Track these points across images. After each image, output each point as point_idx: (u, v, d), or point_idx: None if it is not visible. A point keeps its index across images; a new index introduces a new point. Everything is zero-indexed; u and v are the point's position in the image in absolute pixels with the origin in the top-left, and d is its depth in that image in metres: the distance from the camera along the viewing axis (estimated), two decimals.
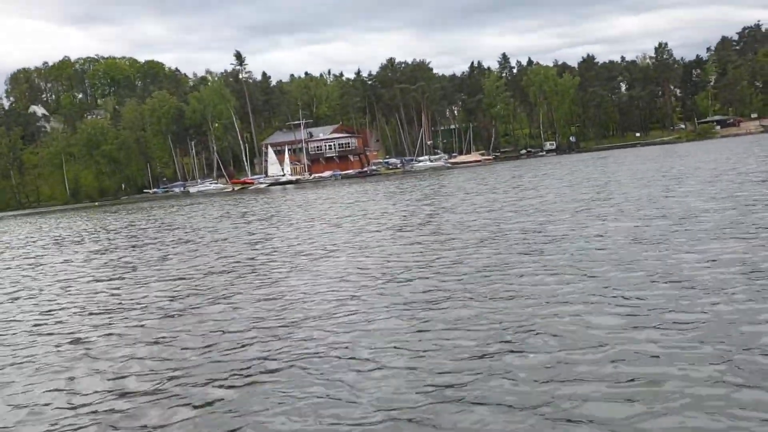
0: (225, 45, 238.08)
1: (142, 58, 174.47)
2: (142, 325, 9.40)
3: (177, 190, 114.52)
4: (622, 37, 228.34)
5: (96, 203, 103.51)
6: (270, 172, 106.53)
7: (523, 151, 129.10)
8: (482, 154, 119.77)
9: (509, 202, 23.93)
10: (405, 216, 22.39)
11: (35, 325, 10.33)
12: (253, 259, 15.32)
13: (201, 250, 18.42)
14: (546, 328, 6.95)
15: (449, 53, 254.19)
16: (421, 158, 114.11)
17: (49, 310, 11.55)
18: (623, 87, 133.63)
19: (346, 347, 7.07)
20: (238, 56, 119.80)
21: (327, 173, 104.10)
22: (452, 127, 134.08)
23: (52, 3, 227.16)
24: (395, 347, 6.85)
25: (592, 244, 11.73)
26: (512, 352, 6.37)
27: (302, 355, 6.99)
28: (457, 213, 21.48)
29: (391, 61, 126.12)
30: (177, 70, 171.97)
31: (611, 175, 34.56)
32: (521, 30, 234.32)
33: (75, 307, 11.59)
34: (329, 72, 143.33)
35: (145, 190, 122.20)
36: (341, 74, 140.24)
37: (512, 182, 39.17)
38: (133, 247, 22.24)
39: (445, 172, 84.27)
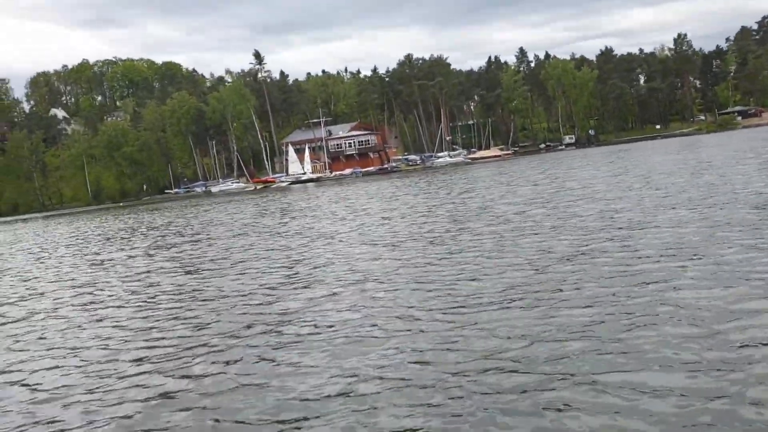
0: (234, 45, 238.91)
1: (156, 60, 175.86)
2: (258, 311, 9.71)
3: (198, 189, 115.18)
4: (634, 29, 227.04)
5: (121, 204, 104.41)
6: (290, 170, 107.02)
7: (543, 146, 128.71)
8: (501, 149, 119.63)
9: (564, 192, 24.04)
10: (463, 210, 22.50)
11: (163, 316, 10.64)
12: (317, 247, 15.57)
13: (268, 244, 18.70)
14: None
15: (459, 49, 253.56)
16: (440, 154, 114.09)
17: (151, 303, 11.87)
18: (641, 79, 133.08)
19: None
20: (257, 55, 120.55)
21: (348, 171, 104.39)
22: (470, 122, 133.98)
23: (63, 7, 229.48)
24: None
25: (686, 229, 11.87)
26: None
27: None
28: (516, 204, 21.61)
29: (408, 57, 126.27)
30: (194, 70, 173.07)
31: (648, 165, 34.57)
32: (531, 24, 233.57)
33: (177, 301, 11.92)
34: (345, 69, 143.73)
35: (166, 191, 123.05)
36: (358, 72, 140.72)
37: (547, 174, 39.22)
38: (194, 242, 22.60)
39: (468, 167, 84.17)
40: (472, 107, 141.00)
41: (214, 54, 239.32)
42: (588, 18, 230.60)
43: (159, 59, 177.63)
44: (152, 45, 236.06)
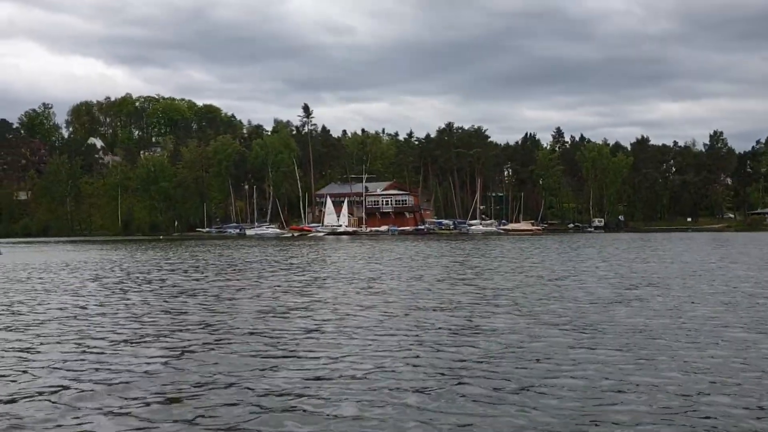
0: (266, 96, 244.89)
1: (197, 101, 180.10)
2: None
3: (231, 231, 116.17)
4: (662, 121, 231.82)
5: (160, 237, 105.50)
6: (326, 221, 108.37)
7: (571, 226, 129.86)
8: (533, 224, 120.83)
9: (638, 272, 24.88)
10: (561, 272, 23.29)
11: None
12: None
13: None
14: None
15: (487, 121, 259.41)
16: (472, 222, 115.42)
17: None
18: (672, 170, 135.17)
19: None
20: (306, 109, 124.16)
21: (384, 228, 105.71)
22: (500, 194, 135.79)
23: (103, 42, 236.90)
24: None
25: None
26: None
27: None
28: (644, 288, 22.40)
29: (449, 125, 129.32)
30: (233, 116, 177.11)
31: (698, 255, 35.56)
32: (562, 105, 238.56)
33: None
34: (383, 131, 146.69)
35: (198, 229, 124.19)
36: (396, 134, 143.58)
37: (602, 254, 39.95)
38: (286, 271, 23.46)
39: (503, 238, 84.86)
40: (504, 180, 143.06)
41: (246, 103, 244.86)
42: (618, 105, 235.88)
43: (197, 101, 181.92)
44: (186, 87, 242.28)
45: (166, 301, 17.51)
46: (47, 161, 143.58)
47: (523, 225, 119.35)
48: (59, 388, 8.49)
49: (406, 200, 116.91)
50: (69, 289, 21.45)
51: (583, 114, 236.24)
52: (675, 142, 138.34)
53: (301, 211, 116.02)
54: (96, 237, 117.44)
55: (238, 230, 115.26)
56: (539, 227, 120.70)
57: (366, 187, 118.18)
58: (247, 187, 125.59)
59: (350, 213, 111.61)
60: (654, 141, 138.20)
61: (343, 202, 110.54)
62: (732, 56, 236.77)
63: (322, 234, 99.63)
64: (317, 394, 7.95)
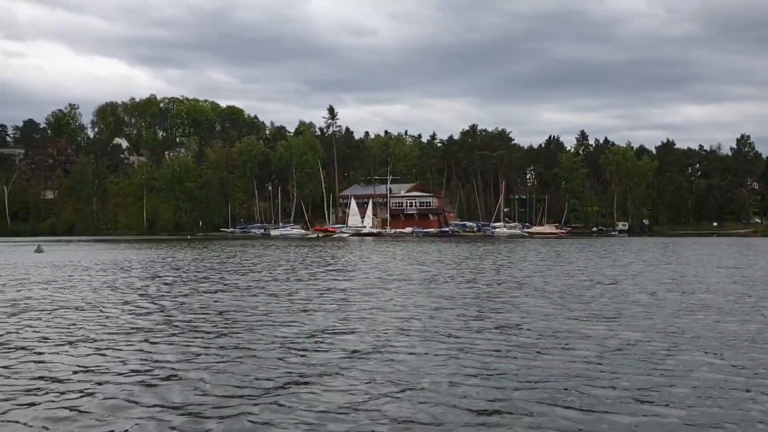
0: (286, 97, 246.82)
1: (221, 103, 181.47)
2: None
3: (256, 231, 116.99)
4: (684, 125, 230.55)
5: (188, 236, 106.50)
6: (350, 222, 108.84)
7: (594, 229, 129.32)
8: (557, 227, 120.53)
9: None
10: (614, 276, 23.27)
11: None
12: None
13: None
14: None
15: (507, 123, 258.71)
16: (496, 224, 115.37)
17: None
18: (697, 174, 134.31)
19: None
20: (331, 110, 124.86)
21: (408, 229, 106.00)
22: (523, 197, 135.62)
23: (128, 44, 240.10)
24: None
25: None
26: None
27: None
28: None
29: (473, 127, 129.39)
30: (255, 117, 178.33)
31: (738, 260, 35.39)
32: (582, 108, 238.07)
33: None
34: (406, 132, 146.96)
35: (222, 229, 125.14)
36: (419, 136, 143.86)
37: (643, 258, 39.81)
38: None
39: (528, 241, 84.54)
40: (526, 182, 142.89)
41: (267, 104, 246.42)
42: (639, 108, 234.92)
43: (219, 102, 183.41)
44: (207, 88, 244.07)
45: (241, 299, 17.85)
46: (74, 161, 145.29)
47: (547, 228, 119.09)
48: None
49: (430, 202, 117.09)
50: (146, 290, 21.85)
51: (604, 117, 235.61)
52: (700, 146, 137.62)
53: (325, 212, 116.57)
54: (122, 236, 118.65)
55: (262, 230, 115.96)
56: (563, 230, 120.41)
57: (390, 189, 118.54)
58: (270, 188, 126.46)
59: (374, 214, 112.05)
60: (677, 144, 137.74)
61: (366, 203, 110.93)
62: (756, 59, 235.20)
63: (346, 235, 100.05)
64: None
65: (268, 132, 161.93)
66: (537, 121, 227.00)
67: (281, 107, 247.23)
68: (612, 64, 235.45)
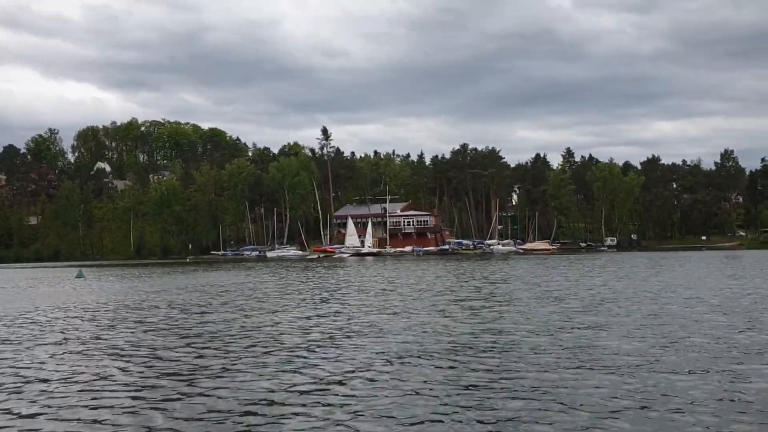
0: (260, 118, 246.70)
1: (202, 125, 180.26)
2: None
3: (249, 253, 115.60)
4: (656, 140, 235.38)
5: (187, 260, 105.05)
6: (347, 242, 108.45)
7: (583, 245, 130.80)
8: (549, 244, 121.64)
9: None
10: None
11: None
12: None
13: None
14: None
15: (482, 142, 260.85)
16: (490, 242, 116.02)
17: None
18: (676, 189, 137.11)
19: None
20: (324, 131, 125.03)
21: (408, 248, 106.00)
22: (511, 214, 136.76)
23: (99, 67, 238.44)
24: None
25: None
26: None
27: None
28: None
29: (464, 146, 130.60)
30: (238, 139, 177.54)
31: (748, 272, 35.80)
32: (555, 125, 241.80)
33: None
34: (393, 152, 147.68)
35: (213, 252, 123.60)
36: (408, 155, 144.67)
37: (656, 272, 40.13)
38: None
39: (526, 257, 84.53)
40: (514, 199, 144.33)
41: (241, 125, 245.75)
42: (612, 124, 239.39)
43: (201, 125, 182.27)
44: (180, 110, 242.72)
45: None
46: (56, 186, 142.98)
47: (540, 244, 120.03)
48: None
49: (427, 221, 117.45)
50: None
51: (577, 134, 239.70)
52: (684, 161, 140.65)
53: (321, 232, 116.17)
54: (108, 261, 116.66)
55: (257, 252, 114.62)
56: (554, 247, 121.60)
57: (384, 208, 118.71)
58: (262, 210, 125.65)
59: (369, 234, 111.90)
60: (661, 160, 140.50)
61: (361, 223, 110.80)
62: (724, 75, 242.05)
63: (346, 255, 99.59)
64: None
65: (250, 153, 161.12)
66: (510, 139, 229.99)
67: (255, 128, 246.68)
68: (584, 82, 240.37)
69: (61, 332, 16.07)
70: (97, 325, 17.38)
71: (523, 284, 29.15)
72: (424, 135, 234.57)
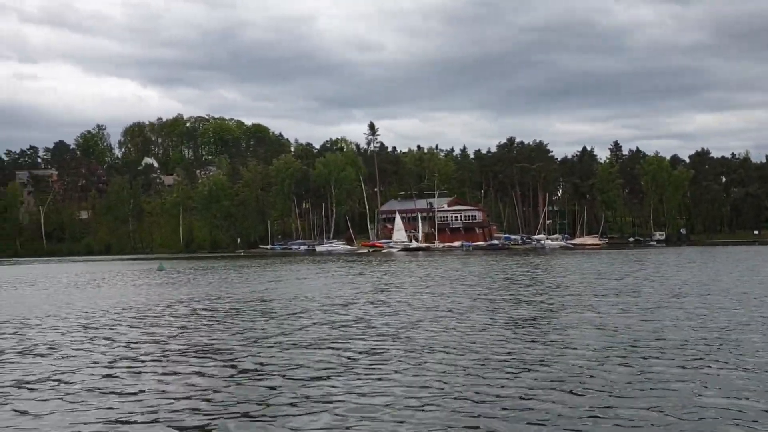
0: (297, 114, 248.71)
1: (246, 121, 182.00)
2: None
3: (297, 248, 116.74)
4: (697, 133, 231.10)
5: (241, 253, 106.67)
6: (395, 237, 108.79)
7: (631, 239, 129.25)
8: (598, 238, 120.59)
9: None
10: None
11: None
12: None
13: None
14: None
15: (519, 135, 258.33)
16: (538, 237, 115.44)
17: None
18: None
19: None
20: (372, 126, 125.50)
21: (457, 243, 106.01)
22: (557, 208, 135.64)
23: (139, 65, 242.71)
24: None
25: None
26: None
27: None
28: None
29: (510, 140, 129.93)
30: (280, 134, 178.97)
31: None
32: (593, 118, 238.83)
33: None
34: (437, 147, 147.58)
35: (261, 246, 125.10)
36: (452, 150, 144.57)
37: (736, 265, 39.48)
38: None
39: (578, 252, 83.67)
40: (558, 193, 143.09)
41: (278, 121, 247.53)
42: (652, 117, 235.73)
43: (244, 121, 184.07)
44: (219, 107, 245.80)
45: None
46: (105, 181, 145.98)
47: (588, 239, 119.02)
48: None
49: (475, 216, 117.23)
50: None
51: (617, 127, 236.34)
52: (732, 154, 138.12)
53: (368, 227, 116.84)
54: (161, 254, 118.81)
55: (305, 246, 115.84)
56: (603, 241, 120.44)
57: (430, 203, 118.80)
58: (309, 205, 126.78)
59: (412, 229, 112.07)
60: (690, 153, 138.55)
61: (408, 218, 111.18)
62: (766, 66, 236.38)
63: (395, 250, 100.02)
64: None
65: (293, 149, 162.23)
66: (548, 132, 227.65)
67: (293, 124, 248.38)
68: (623, 74, 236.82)
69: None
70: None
71: (649, 281, 28.97)
72: (459, 129, 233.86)
